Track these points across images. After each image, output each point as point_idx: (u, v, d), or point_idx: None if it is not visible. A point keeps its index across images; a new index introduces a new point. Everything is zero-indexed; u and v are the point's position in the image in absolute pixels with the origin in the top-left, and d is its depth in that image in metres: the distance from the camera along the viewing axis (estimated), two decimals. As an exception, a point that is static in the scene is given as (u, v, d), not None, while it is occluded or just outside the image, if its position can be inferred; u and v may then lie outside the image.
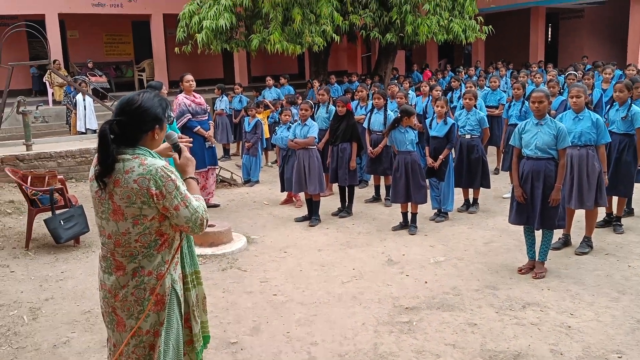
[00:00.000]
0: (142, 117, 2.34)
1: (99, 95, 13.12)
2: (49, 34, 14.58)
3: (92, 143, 10.69)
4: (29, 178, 6.41)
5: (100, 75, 16.26)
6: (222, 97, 11.70)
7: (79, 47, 18.00)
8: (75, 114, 12.43)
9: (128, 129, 2.33)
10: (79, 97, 12.16)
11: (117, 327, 2.42)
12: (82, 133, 12.20)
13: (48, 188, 6.18)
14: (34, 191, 6.20)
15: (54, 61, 13.71)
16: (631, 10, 16.75)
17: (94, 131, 12.39)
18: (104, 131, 2.26)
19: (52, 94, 15.19)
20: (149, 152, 2.38)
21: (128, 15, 17.53)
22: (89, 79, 14.42)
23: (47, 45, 9.94)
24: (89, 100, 12.07)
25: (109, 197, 2.31)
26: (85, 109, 12.16)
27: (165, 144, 2.59)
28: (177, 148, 2.57)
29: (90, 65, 16.36)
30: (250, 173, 9.27)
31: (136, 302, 2.36)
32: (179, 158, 2.55)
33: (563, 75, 12.25)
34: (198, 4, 12.22)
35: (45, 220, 5.97)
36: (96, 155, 2.33)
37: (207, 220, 2.38)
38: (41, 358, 3.83)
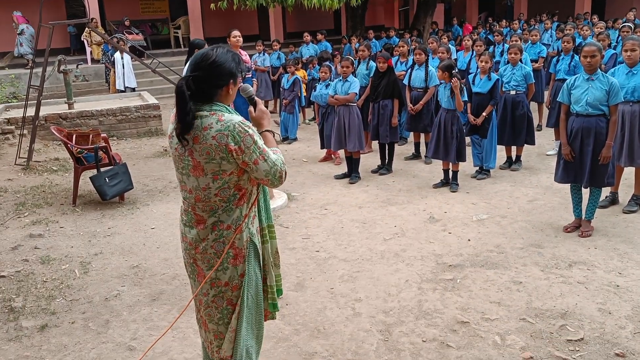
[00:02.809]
0: (217, 72, 2.34)
1: (136, 53, 13.16)
2: (86, -8, 14.59)
3: (131, 101, 10.84)
4: (74, 136, 6.54)
5: (136, 33, 16.30)
6: (263, 54, 11.60)
7: (115, 4, 18.00)
8: (114, 72, 12.55)
9: (204, 85, 2.33)
10: (117, 55, 12.25)
11: (198, 277, 2.51)
12: (121, 91, 12.34)
13: (93, 146, 6.31)
14: (79, 149, 6.34)
15: (92, 19, 13.79)
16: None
17: (133, 89, 12.52)
18: (181, 87, 2.27)
19: (91, 52, 15.34)
20: (226, 108, 2.39)
21: (163, -28, 17.41)
22: (126, 36, 14.46)
23: (85, 3, 9.96)
24: (127, 58, 12.14)
25: (188, 154, 2.35)
26: (123, 68, 12.26)
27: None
28: (252, 101, 2.58)
29: (127, 23, 16.39)
30: (289, 130, 9.26)
31: (215, 254, 2.42)
32: (254, 111, 2.56)
33: (611, 29, 11.71)
34: (234, -42, 12.00)
35: (91, 178, 6.11)
36: (174, 112, 2.35)
37: (285, 173, 2.40)
38: (94, 310, 3.98)
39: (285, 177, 2.41)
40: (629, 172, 5.78)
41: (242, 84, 2.59)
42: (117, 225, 5.65)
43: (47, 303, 4.08)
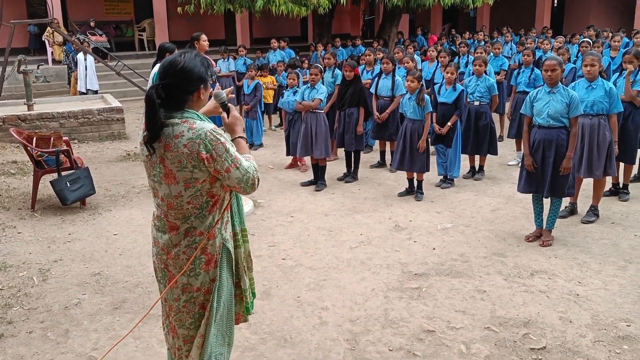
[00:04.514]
0: (187, 78, 2.31)
1: (100, 54, 12.90)
2: (48, -9, 14.24)
3: (94, 104, 10.60)
4: (34, 139, 6.35)
5: (100, 35, 15.98)
6: (227, 59, 11.53)
7: (78, 5, 17.61)
8: (76, 73, 12.27)
9: (175, 92, 2.30)
10: (80, 56, 11.98)
11: (169, 283, 2.47)
12: (83, 93, 12.06)
13: (54, 149, 6.13)
14: (39, 152, 6.15)
15: (54, 19, 13.45)
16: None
17: (95, 92, 12.26)
18: (152, 96, 2.24)
19: (52, 53, 14.95)
20: (197, 115, 2.37)
21: (128, -27, 17.13)
22: (89, 37, 14.16)
23: (48, 3, 9.71)
24: (90, 60, 11.89)
25: (160, 161, 2.32)
26: (86, 69, 11.99)
27: (212, 102, 2.59)
28: (225, 107, 2.56)
29: (92, 24, 16.05)
30: (253, 136, 9.21)
31: (187, 260, 2.40)
32: (227, 117, 2.54)
33: (569, 43, 12.10)
34: (202, -37, 11.90)
35: (51, 182, 5.94)
36: (144, 120, 2.32)
37: (258, 180, 2.39)
38: (53, 319, 3.86)
39: (258, 184, 2.40)
40: (587, 183, 5.97)
41: (215, 89, 2.58)
42: (78, 231, 5.50)
43: (4, 312, 3.94)
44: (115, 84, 13.87)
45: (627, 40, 11.80)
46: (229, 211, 2.54)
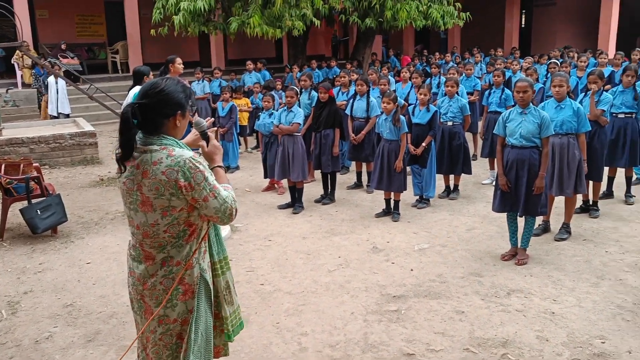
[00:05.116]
0: (164, 101, 2.31)
1: (71, 77, 12.75)
2: (17, 13, 14.07)
3: (65, 128, 10.44)
4: (3, 166, 6.21)
5: (72, 57, 15.82)
6: (202, 81, 11.52)
7: (49, 27, 17.44)
8: (47, 97, 12.09)
9: (150, 113, 2.29)
10: (51, 79, 11.82)
11: (145, 314, 2.42)
12: (54, 117, 11.88)
13: (24, 177, 6.01)
14: (8, 180, 6.02)
15: (23, 42, 13.28)
16: (602, -1, 17.05)
17: (67, 115, 12.09)
18: (126, 114, 2.23)
19: (22, 76, 14.72)
20: (177, 142, 2.35)
21: (101, -5, 17.06)
22: (61, 60, 14.01)
23: (17, 24, 9.59)
24: (61, 83, 11.74)
25: (137, 188, 2.29)
26: (57, 93, 11.83)
27: (191, 134, 2.59)
28: (205, 136, 2.56)
29: (63, 47, 15.88)
30: (230, 159, 9.16)
31: (164, 291, 2.36)
32: (207, 146, 2.54)
33: (537, 63, 12.42)
34: (175, -15, 11.90)
35: (21, 210, 5.81)
36: (118, 138, 2.30)
37: (236, 210, 2.37)
38: (23, 354, 3.74)
39: (236, 214, 2.38)
40: (559, 201, 6.07)
41: (195, 117, 2.58)
42: (49, 260, 5.37)
43: (-29, 348, 3.80)
44: (87, 107, 13.70)
45: (594, 62, 12.15)
46: (207, 240, 2.51)
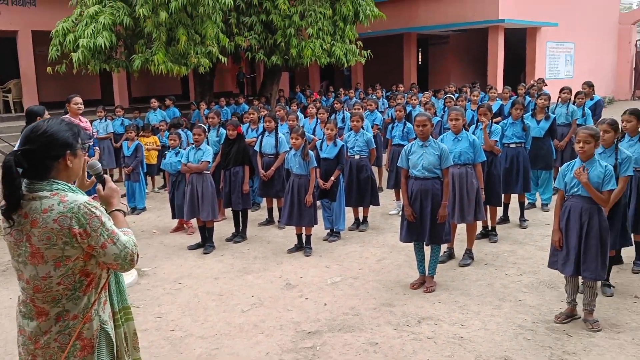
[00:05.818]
0: (49, 143, 2.17)
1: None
2: None
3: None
4: None
5: (-43, 97, 14.71)
6: (105, 120, 11.09)
7: None
8: None
9: (36, 158, 2.15)
10: None
11: None
12: (-63, 162, 10.93)
13: None
14: None
15: None
16: (489, 38, 18.52)
17: (-48, 159, 11.15)
18: (9, 162, 2.07)
19: None
20: (69, 186, 2.21)
21: (-10, 31, 16.06)
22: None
23: None
24: (-56, 125, 10.84)
25: (26, 239, 2.13)
26: (-60, 135, 10.91)
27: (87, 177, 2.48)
28: (100, 178, 2.44)
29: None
30: (136, 200, 8.84)
31: (60, 348, 2.18)
32: (103, 189, 2.41)
33: (434, 97, 13.17)
34: (73, 22, 11.47)
35: None
36: (1, 190, 2.12)
37: (137, 256, 2.25)
38: None
39: (137, 259, 2.28)
40: (461, 228, 6.38)
41: (89, 160, 2.46)
42: None
43: None
44: (-24, 149, 12.73)
45: (483, 95, 13.04)
46: (107, 290, 2.38)
